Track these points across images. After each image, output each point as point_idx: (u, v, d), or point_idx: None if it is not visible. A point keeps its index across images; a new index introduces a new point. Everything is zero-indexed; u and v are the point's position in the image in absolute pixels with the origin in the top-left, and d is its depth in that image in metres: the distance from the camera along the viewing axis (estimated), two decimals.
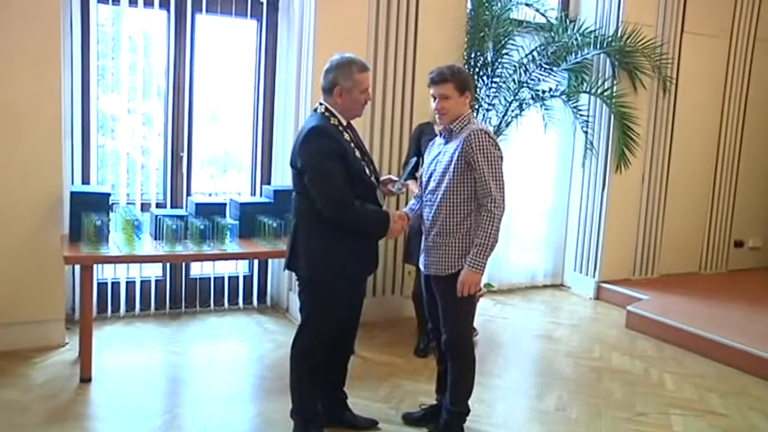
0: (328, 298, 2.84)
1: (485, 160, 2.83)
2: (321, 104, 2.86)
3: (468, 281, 2.88)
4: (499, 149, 2.90)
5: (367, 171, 2.87)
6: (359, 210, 2.76)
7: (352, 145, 2.83)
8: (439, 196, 2.94)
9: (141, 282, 4.69)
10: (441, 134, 3.08)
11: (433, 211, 2.98)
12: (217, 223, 3.87)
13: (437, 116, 3.01)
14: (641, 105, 5.79)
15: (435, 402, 3.33)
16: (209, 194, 4.87)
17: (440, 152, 3.03)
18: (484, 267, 2.88)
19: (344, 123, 2.85)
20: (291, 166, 2.86)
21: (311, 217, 2.78)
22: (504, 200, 2.87)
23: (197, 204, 4.09)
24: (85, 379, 3.54)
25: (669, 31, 5.93)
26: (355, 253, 2.84)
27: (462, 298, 2.94)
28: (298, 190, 2.85)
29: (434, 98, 2.96)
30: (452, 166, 2.89)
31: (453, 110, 2.94)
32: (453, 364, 3.07)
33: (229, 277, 4.96)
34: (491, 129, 2.88)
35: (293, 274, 3.08)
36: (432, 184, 3.01)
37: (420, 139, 4.14)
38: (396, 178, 3.06)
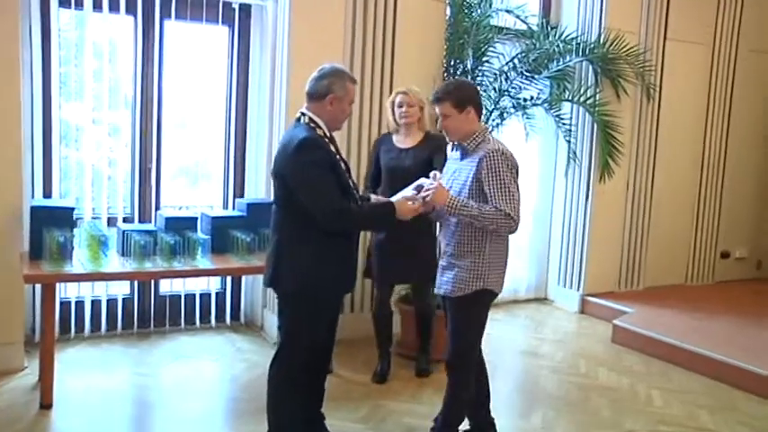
0: (314, 313, 2.83)
1: (495, 183, 2.87)
2: (304, 114, 2.85)
3: (438, 196, 2.87)
4: (512, 169, 2.92)
5: (351, 184, 2.89)
6: (359, 213, 2.83)
7: (338, 157, 2.85)
8: (455, 217, 2.98)
9: (107, 300, 4.60)
10: (453, 147, 3.16)
11: (450, 231, 3.03)
12: (188, 238, 3.83)
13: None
14: (625, 113, 5.86)
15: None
16: (180, 208, 4.82)
17: (456, 170, 3.08)
18: (453, 211, 2.88)
19: (329, 135, 2.86)
20: (275, 176, 2.84)
21: (296, 229, 2.78)
22: (515, 219, 2.88)
23: (167, 219, 4.03)
24: (46, 405, 3.45)
25: (652, 38, 6.02)
26: (342, 265, 2.86)
27: (472, 320, 3.01)
28: (280, 203, 2.84)
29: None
30: (467, 187, 2.96)
31: (455, 127, 3.01)
32: (450, 383, 3.11)
33: (201, 294, 4.90)
34: (507, 147, 2.96)
35: (269, 290, 3.04)
36: None
37: (379, 148, 4.13)
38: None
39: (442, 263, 3.10)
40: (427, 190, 2.92)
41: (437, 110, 3.03)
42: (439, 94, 3.01)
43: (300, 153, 2.70)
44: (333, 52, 4.45)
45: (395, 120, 4.07)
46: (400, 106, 4.00)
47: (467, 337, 3.05)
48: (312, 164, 2.70)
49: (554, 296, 6.22)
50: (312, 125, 2.81)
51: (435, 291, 3.15)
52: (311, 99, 2.85)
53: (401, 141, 4.06)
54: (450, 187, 3.04)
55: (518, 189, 2.92)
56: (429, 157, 3.93)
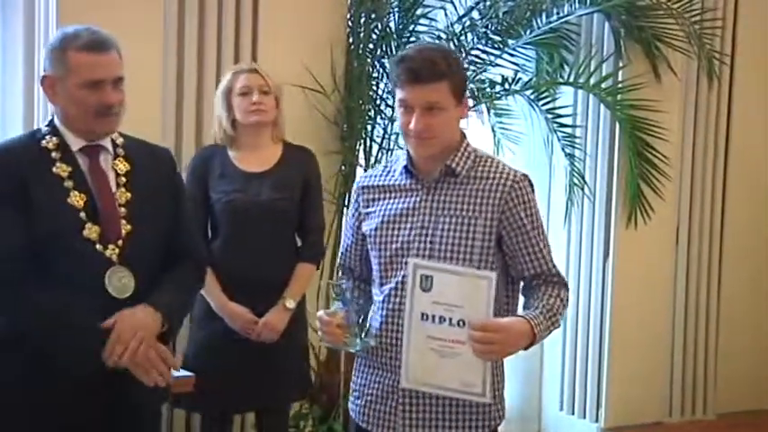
0: None
1: (537, 232, 3.07)
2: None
3: (510, 340, 2.90)
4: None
5: (91, 232, 2.94)
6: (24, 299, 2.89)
7: (70, 184, 2.95)
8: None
9: None
10: (408, 173, 3.09)
11: None
12: None
13: (413, 143, 3.00)
14: (670, 105, 6.04)
15: None
16: None
17: (413, 213, 3.06)
18: (541, 339, 3.00)
19: (78, 146, 3.02)
20: None
21: None
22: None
23: None
24: None
25: None
26: (30, 349, 2.91)
27: None
28: None
29: (405, 108, 2.97)
30: (471, 242, 3.01)
31: (446, 132, 3.00)
32: None
33: None
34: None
35: None
36: None
37: (207, 174, 4.30)
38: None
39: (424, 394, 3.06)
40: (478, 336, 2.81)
41: (416, 94, 2.92)
42: (439, 65, 2.92)
43: None
44: (143, 12, 4.53)
45: (231, 122, 4.24)
46: (245, 94, 4.18)
47: None
48: None
49: (553, 430, 6.44)
50: (46, 129, 3.06)
51: None
52: None
53: (246, 161, 4.26)
54: (419, 252, 3.01)
55: None
56: (303, 186, 4.22)
